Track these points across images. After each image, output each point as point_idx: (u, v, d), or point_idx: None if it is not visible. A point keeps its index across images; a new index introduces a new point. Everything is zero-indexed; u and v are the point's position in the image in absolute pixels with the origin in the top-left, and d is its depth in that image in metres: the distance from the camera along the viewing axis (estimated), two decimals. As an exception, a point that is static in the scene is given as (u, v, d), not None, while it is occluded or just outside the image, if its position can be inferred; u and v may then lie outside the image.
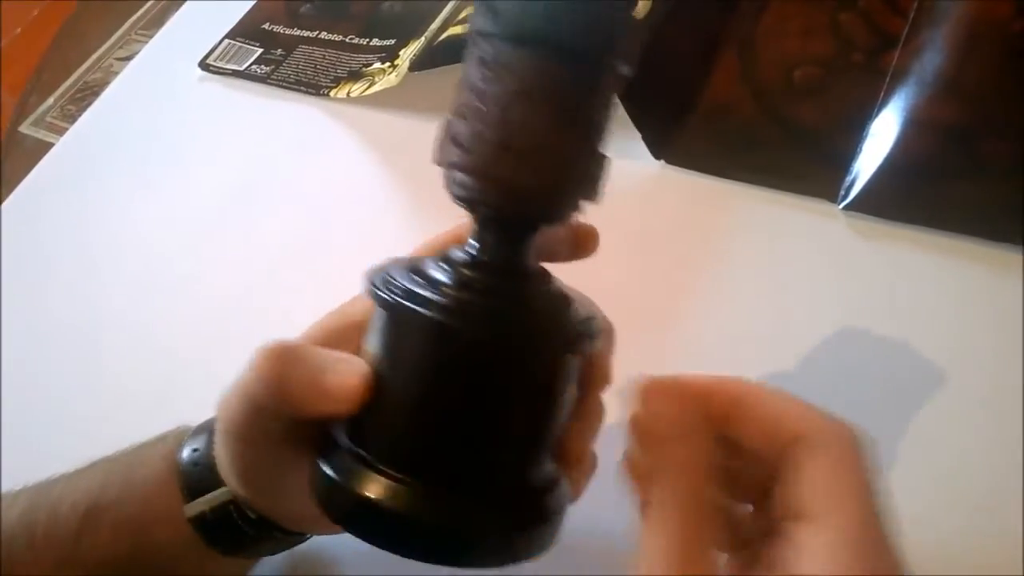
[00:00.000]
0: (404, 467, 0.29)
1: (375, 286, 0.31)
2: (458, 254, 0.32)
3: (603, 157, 0.31)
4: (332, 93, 0.63)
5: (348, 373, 0.31)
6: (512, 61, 0.28)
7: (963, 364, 0.43)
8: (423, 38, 0.61)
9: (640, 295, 0.49)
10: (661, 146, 0.53)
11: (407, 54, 0.61)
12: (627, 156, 0.53)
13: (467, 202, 0.31)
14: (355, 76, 0.63)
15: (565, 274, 0.35)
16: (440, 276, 0.31)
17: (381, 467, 0.30)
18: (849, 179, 0.49)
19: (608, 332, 0.35)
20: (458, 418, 0.30)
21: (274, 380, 0.31)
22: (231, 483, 0.35)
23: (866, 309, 0.45)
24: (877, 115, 0.51)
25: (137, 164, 0.66)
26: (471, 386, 0.30)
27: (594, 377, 0.34)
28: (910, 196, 0.48)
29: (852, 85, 0.54)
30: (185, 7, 0.76)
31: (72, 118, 0.71)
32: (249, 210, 0.60)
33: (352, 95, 0.62)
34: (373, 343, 0.31)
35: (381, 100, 0.61)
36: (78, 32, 0.80)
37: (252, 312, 0.54)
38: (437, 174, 0.57)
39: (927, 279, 0.46)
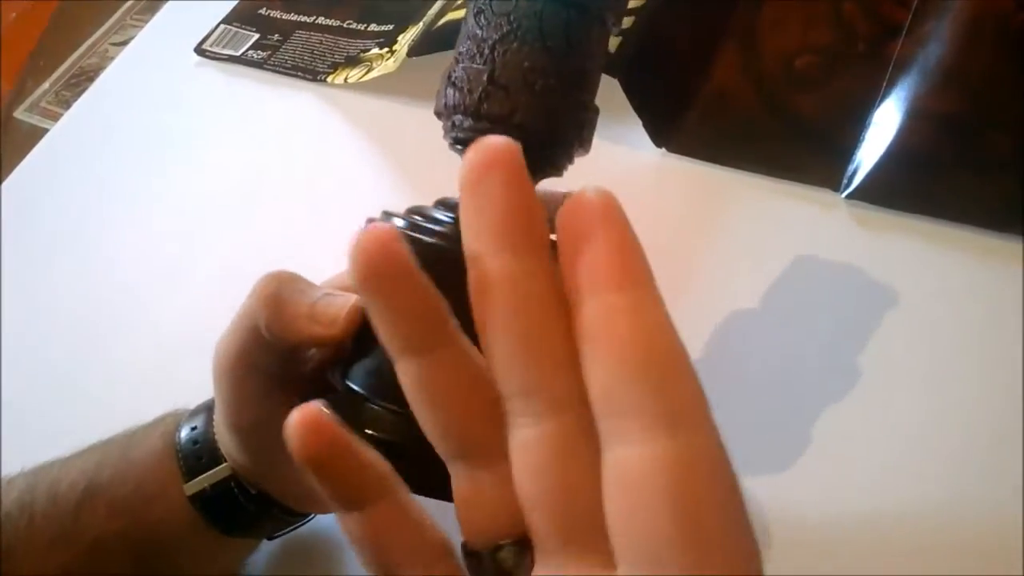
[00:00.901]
0: (402, 399, 0.29)
1: (374, 220, 0.31)
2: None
3: (594, 109, 0.32)
4: (329, 79, 0.62)
5: (339, 302, 0.32)
6: (507, 5, 0.30)
7: (963, 353, 0.42)
8: (421, 23, 0.60)
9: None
10: (662, 134, 0.53)
11: (405, 39, 0.61)
12: (628, 144, 0.53)
13: (465, 144, 0.31)
14: (352, 62, 0.63)
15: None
16: (439, 215, 0.32)
17: (377, 402, 0.30)
18: (851, 168, 0.49)
19: None
20: None
21: (271, 298, 0.32)
22: (229, 449, 0.35)
23: (868, 298, 0.45)
24: (879, 105, 0.51)
25: (133, 150, 0.65)
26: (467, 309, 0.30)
27: None
28: (912, 186, 0.48)
29: (854, 75, 0.53)
30: (181, -8, 0.75)
31: (67, 104, 0.71)
32: (246, 195, 0.59)
33: (350, 81, 0.61)
34: None
35: (379, 86, 0.60)
36: (73, 17, 0.79)
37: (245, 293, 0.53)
38: (435, 160, 0.57)
39: (928, 268, 0.45)
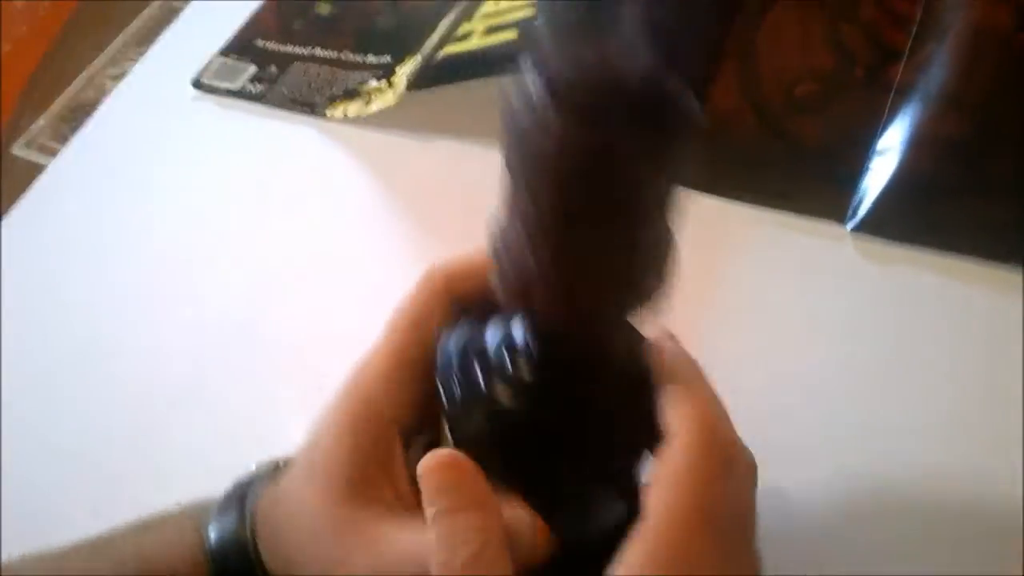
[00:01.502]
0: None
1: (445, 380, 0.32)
2: (521, 344, 0.32)
3: (658, 241, 0.29)
4: (328, 112, 0.62)
5: None
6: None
7: (968, 384, 0.42)
8: (419, 55, 0.60)
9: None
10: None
11: (403, 71, 0.61)
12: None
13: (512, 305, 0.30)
14: (351, 94, 0.63)
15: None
16: (498, 359, 0.32)
17: None
18: (857, 199, 0.48)
19: None
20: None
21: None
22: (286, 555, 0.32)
23: (875, 332, 0.45)
24: (883, 132, 0.50)
25: (132, 184, 0.65)
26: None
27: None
28: (917, 215, 0.48)
29: (855, 100, 0.53)
30: (177, 23, 0.75)
31: (64, 139, 0.70)
32: (245, 231, 0.59)
33: (349, 115, 0.61)
34: None
35: (378, 119, 0.60)
36: (69, 50, 0.79)
37: (247, 330, 0.53)
38: (435, 195, 0.57)
39: (934, 300, 0.45)
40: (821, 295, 0.47)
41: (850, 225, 0.48)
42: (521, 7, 0.56)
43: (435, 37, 0.61)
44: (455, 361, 0.33)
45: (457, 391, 0.32)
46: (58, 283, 0.61)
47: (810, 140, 0.52)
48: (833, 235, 0.48)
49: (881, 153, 0.50)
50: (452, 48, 0.57)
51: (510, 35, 0.55)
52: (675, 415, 0.30)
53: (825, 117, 0.53)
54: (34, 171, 0.69)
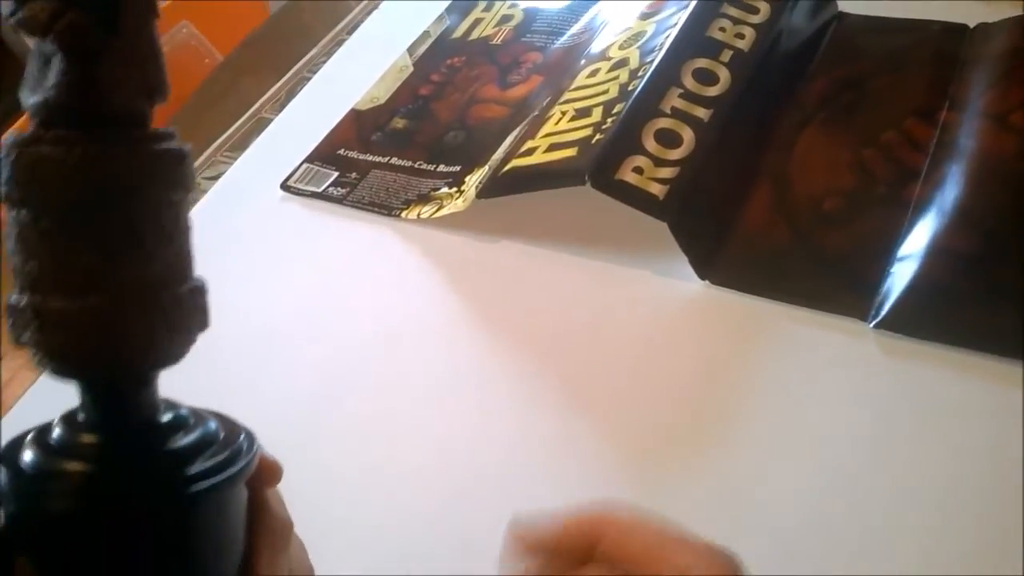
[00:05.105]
0: None
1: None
2: (74, 417, 0.31)
3: (180, 292, 0.30)
4: (403, 214, 0.70)
5: None
6: (29, 221, 0.28)
7: (980, 471, 0.47)
8: (487, 166, 0.68)
9: (682, 404, 0.54)
10: (705, 268, 0.59)
11: (472, 180, 0.68)
12: (675, 276, 0.59)
13: (51, 374, 0.30)
14: (424, 199, 0.70)
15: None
16: (54, 444, 0.30)
17: None
18: (878, 300, 0.54)
19: (270, 467, 0.34)
20: None
21: None
22: None
23: (892, 419, 0.50)
24: (902, 242, 0.57)
25: (222, 278, 0.72)
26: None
27: (253, 511, 0.33)
28: (933, 316, 0.53)
29: (877, 215, 0.60)
30: (267, 132, 0.84)
31: (163, 233, 0.78)
32: (325, 323, 0.66)
33: (422, 217, 0.68)
34: None
35: (449, 221, 0.67)
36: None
37: (321, 422, 0.59)
38: (499, 293, 0.64)
39: (949, 392, 0.51)
40: (845, 384, 0.52)
41: (872, 323, 0.54)
42: (579, 128, 0.63)
43: (500, 152, 0.69)
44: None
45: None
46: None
47: (836, 248, 0.58)
48: (856, 331, 0.54)
49: (901, 260, 0.56)
50: (517, 162, 0.64)
51: (568, 153, 0.62)
52: None
53: (850, 228, 0.59)
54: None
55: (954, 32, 0.70)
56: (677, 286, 0.59)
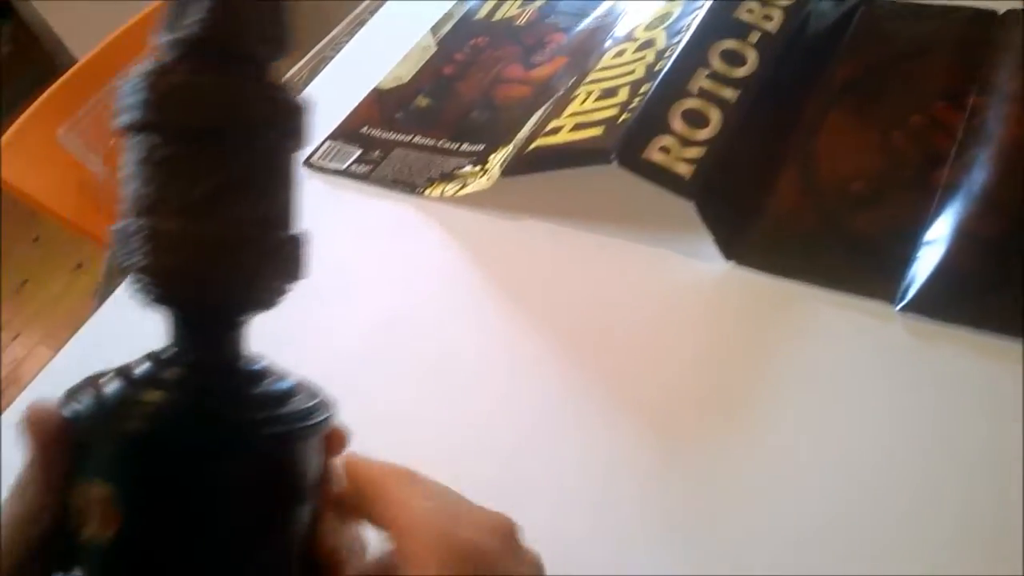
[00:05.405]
0: None
1: (65, 399, 0.30)
2: (161, 351, 0.32)
3: (283, 238, 0.31)
4: (426, 192, 0.70)
5: None
6: (151, 149, 0.29)
7: (1008, 456, 0.47)
8: (511, 145, 0.68)
9: (707, 386, 0.54)
10: (731, 249, 0.59)
11: (497, 159, 0.68)
12: (700, 257, 0.59)
13: (147, 302, 0.31)
14: (447, 178, 0.70)
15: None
16: (137, 375, 0.30)
17: None
18: (905, 283, 0.54)
19: (339, 436, 0.35)
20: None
21: None
22: None
23: (919, 405, 0.50)
24: (930, 226, 0.56)
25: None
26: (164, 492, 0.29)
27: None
28: (960, 301, 0.53)
29: (904, 198, 0.59)
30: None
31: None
32: (345, 297, 0.66)
33: (445, 195, 0.68)
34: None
35: (472, 200, 0.67)
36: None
37: (340, 398, 0.59)
38: (522, 270, 0.64)
39: (976, 376, 0.50)
40: (871, 366, 0.52)
41: (899, 306, 0.53)
42: (605, 107, 0.63)
43: (525, 131, 0.68)
44: (92, 397, 0.30)
45: (98, 409, 0.29)
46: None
47: (864, 231, 0.58)
48: (883, 314, 0.54)
49: (928, 244, 0.56)
50: (542, 141, 0.64)
51: (595, 132, 0.62)
52: (395, 534, 0.30)
53: (877, 211, 0.59)
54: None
55: (983, 18, 0.69)
56: (702, 267, 0.59)
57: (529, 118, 0.70)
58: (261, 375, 0.32)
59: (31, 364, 2.07)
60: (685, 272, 0.59)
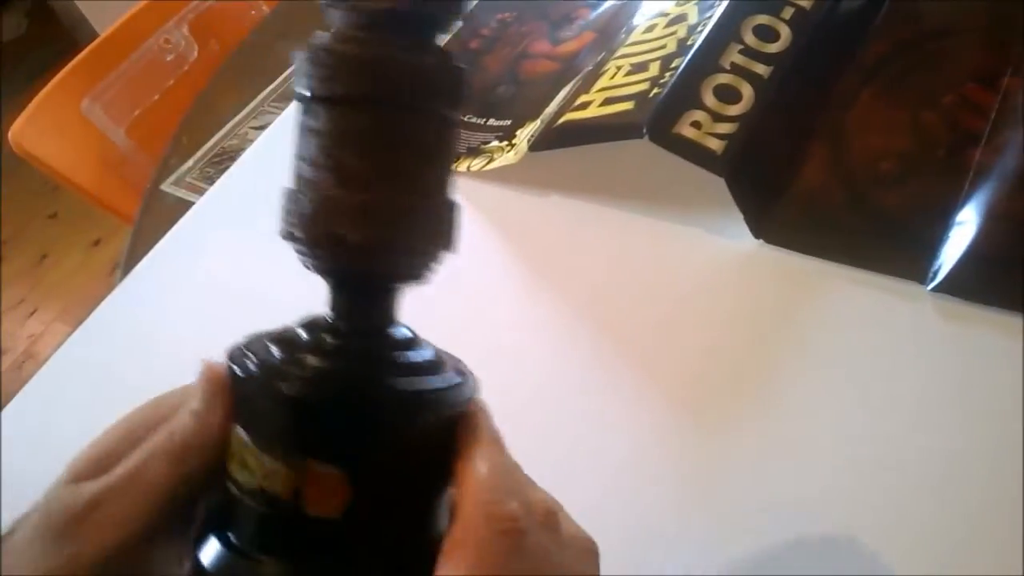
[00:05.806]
0: (280, 552, 0.30)
1: (230, 359, 0.32)
2: (320, 319, 0.33)
3: (444, 206, 0.32)
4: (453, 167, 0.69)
5: None
6: (328, 118, 0.30)
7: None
8: (539, 120, 0.67)
9: (735, 364, 0.54)
10: (760, 227, 0.58)
11: (524, 134, 0.68)
12: (729, 235, 0.59)
13: (313, 270, 0.32)
14: (474, 152, 0.70)
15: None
16: (298, 341, 0.32)
17: (255, 555, 0.30)
18: (936, 264, 0.54)
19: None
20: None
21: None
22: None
23: (949, 385, 0.50)
24: (961, 207, 0.56)
25: (271, 222, 0.72)
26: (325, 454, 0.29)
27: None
28: (991, 282, 0.53)
29: (935, 178, 0.59)
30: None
31: (210, 179, 0.79)
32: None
33: (472, 170, 0.68)
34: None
35: (499, 175, 0.67)
36: (213, 102, 0.88)
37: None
38: (551, 247, 0.63)
39: (1006, 357, 0.50)
40: (901, 346, 0.52)
41: (929, 286, 0.53)
42: (635, 82, 0.63)
43: (553, 106, 0.68)
44: (256, 352, 0.31)
45: (257, 367, 0.31)
46: (199, 313, 0.67)
47: (894, 210, 0.58)
48: (913, 294, 0.53)
49: (960, 224, 0.55)
50: (571, 115, 0.64)
51: (625, 106, 0.61)
52: (461, 486, 0.30)
53: (908, 191, 0.59)
54: (182, 207, 0.77)
55: (1019, -2, 0.68)
56: (730, 245, 0.59)
57: (556, 93, 0.70)
58: (412, 344, 0.33)
59: (48, 340, 2.09)
60: (714, 250, 0.59)
